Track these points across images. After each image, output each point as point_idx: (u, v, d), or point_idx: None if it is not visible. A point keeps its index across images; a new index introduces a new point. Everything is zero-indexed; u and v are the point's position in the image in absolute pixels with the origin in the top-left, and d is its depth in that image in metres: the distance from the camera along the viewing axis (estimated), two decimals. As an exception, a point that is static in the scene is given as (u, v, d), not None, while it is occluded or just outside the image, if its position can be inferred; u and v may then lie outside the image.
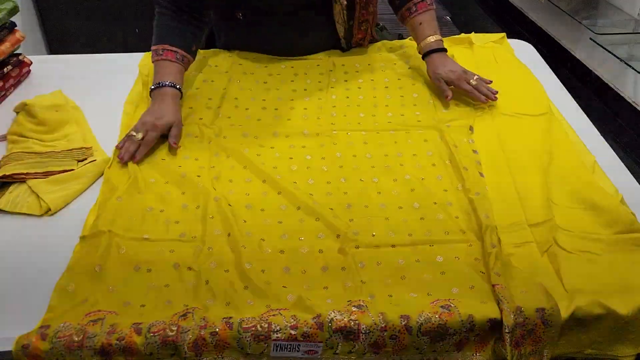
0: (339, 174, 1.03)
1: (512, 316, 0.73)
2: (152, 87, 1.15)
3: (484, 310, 0.76)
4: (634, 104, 2.58)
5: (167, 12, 1.16)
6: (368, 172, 1.03)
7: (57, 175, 1.00)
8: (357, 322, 0.74)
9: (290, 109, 1.14)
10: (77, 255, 0.88)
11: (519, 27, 3.71)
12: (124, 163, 1.04)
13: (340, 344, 0.74)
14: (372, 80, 1.26)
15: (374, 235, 0.91)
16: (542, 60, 1.39)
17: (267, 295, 0.83)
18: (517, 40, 1.45)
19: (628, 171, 1.05)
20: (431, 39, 1.27)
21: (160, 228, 0.94)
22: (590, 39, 2.51)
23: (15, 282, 0.83)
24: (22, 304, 0.80)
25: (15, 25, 1.24)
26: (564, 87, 1.29)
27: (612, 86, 2.78)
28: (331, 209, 0.97)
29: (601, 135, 1.11)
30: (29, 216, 0.95)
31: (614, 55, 2.37)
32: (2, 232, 0.91)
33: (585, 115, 1.20)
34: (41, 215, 0.95)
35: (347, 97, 1.20)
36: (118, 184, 1.02)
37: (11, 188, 0.98)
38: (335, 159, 1.06)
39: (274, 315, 0.77)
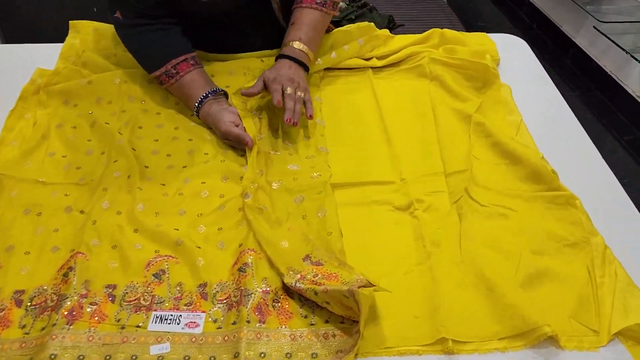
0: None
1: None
2: (195, 109, 0.96)
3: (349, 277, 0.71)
4: (638, 99, 2.38)
5: (142, 28, 0.96)
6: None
7: None
8: (240, 288, 0.71)
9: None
10: None
11: (517, 8, 3.49)
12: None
13: (224, 315, 0.70)
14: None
15: (276, 184, 0.86)
16: (534, 56, 1.20)
17: (156, 238, 0.78)
18: (508, 35, 1.24)
19: (619, 183, 0.90)
20: (294, 44, 0.98)
21: (59, 172, 0.88)
22: (594, 27, 2.29)
23: None
24: None
25: None
26: (556, 89, 1.09)
27: (615, 78, 2.58)
28: (242, 154, 0.93)
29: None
30: None
31: (618, 46, 2.16)
32: None
33: (577, 122, 1.01)
34: None
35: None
36: (19, 129, 0.96)
37: None
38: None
39: (159, 283, 0.73)
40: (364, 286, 0.66)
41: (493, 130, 0.94)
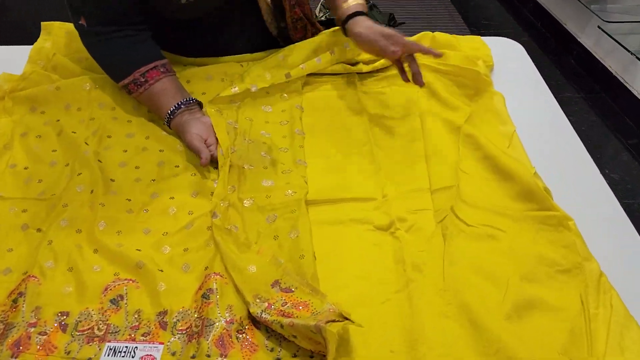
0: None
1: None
2: (166, 120, 0.90)
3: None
4: (644, 102, 2.31)
5: (108, 35, 0.90)
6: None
7: None
8: (202, 317, 0.66)
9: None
10: None
11: (521, 6, 3.41)
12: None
13: (183, 347, 0.64)
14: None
15: (248, 201, 0.80)
16: (531, 62, 1.14)
17: (117, 260, 0.72)
18: (504, 39, 1.18)
19: (618, 202, 0.85)
20: (351, 1, 0.95)
21: (19, 185, 0.83)
22: (599, 27, 2.22)
23: None
24: None
25: None
26: (553, 97, 1.03)
27: (620, 79, 2.50)
28: (215, 167, 0.86)
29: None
30: None
31: (624, 47, 2.08)
32: None
33: (575, 133, 0.95)
34: None
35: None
36: None
37: None
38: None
39: (116, 310, 0.68)
40: (334, 320, 0.60)
41: (483, 142, 0.88)
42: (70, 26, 1.09)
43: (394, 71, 1.05)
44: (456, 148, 0.89)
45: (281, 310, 0.65)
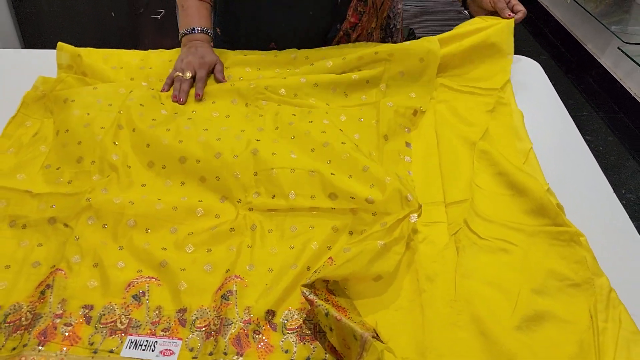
0: (254, 140, 0.92)
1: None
2: (184, 32, 1.11)
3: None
4: (663, 124, 2.31)
5: None
6: (286, 140, 0.95)
7: None
8: (221, 316, 0.69)
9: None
10: None
11: (542, 25, 3.43)
12: (181, 103, 1.02)
13: (201, 344, 0.67)
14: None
15: (273, 197, 0.85)
16: (548, 80, 1.16)
17: (141, 257, 0.76)
18: (523, 57, 1.20)
19: (630, 220, 0.86)
20: None
21: (49, 182, 0.87)
22: (619, 48, 2.23)
23: None
24: None
25: None
26: (569, 118, 1.05)
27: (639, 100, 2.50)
28: (237, 174, 0.87)
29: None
30: None
31: (644, 69, 2.09)
32: None
33: (590, 153, 0.96)
34: None
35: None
36: (17, 137, 0.96)
37: None
38: (254, 129, 0.97)
39: (138, 305, 0.72)
40: (374, 336, 0.62)
41: (499, 158, 0.90)
42: (82, 50, 1.11)
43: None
44: (471, 163, 0.91)
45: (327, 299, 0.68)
